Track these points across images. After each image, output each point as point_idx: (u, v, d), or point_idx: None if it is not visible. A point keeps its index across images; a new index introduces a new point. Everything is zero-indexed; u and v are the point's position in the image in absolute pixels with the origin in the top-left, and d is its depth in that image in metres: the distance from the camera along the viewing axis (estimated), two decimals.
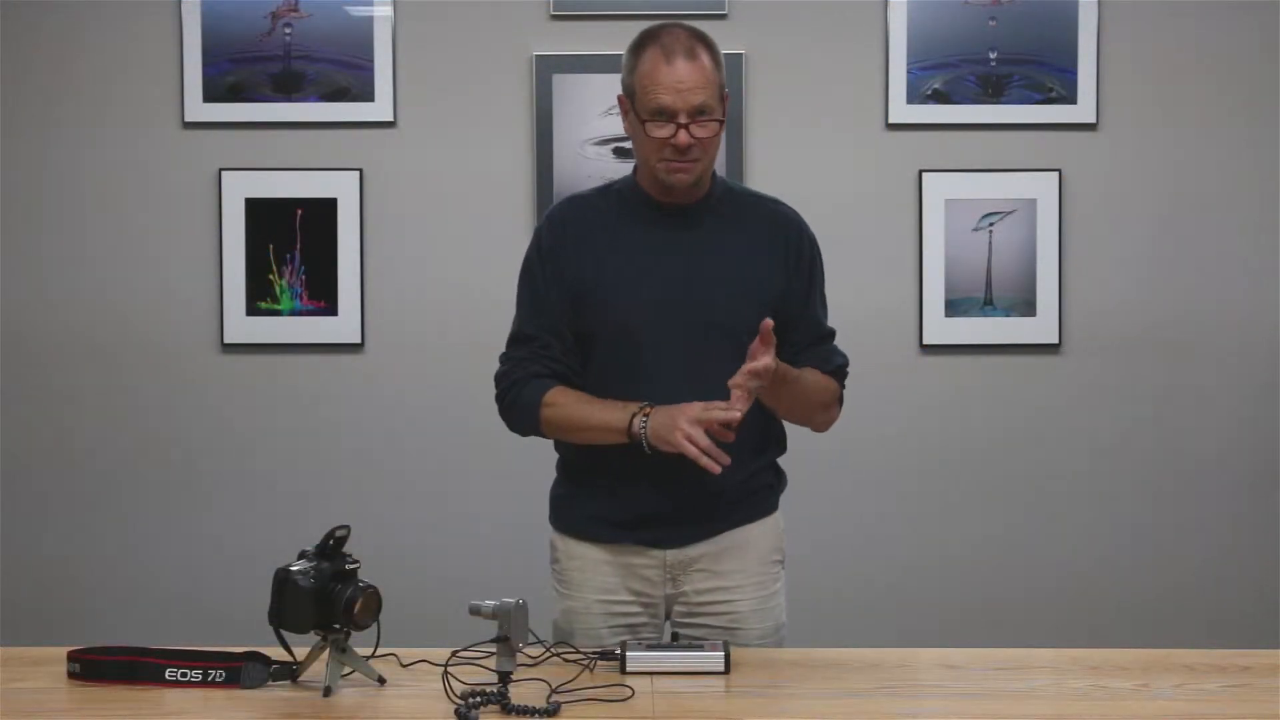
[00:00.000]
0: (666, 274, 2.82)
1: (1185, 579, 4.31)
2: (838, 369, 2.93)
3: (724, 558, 2.89)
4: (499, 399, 2.91)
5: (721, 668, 2.54)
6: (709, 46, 2.79)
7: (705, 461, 2.64)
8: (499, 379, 2.91)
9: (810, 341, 2.90)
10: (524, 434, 2.93)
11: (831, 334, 2.96)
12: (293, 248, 4.27)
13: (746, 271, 2.84)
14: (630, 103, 2.80)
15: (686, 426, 2.65)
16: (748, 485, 2.90)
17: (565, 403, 2.83)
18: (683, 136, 2.74)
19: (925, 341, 4.29)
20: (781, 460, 3.00)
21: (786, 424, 2.98)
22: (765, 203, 2.98)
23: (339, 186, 4.26)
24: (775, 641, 2.93)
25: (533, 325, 2.89)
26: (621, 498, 2.86)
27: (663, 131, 2.75)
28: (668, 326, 2.79)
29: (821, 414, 2.92)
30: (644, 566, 2.88)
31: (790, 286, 2.88)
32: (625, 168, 2.93)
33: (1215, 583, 4.31)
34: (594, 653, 2.60)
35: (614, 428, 2.75)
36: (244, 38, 4.25)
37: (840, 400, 2.95)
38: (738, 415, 2.64)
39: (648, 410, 2.73)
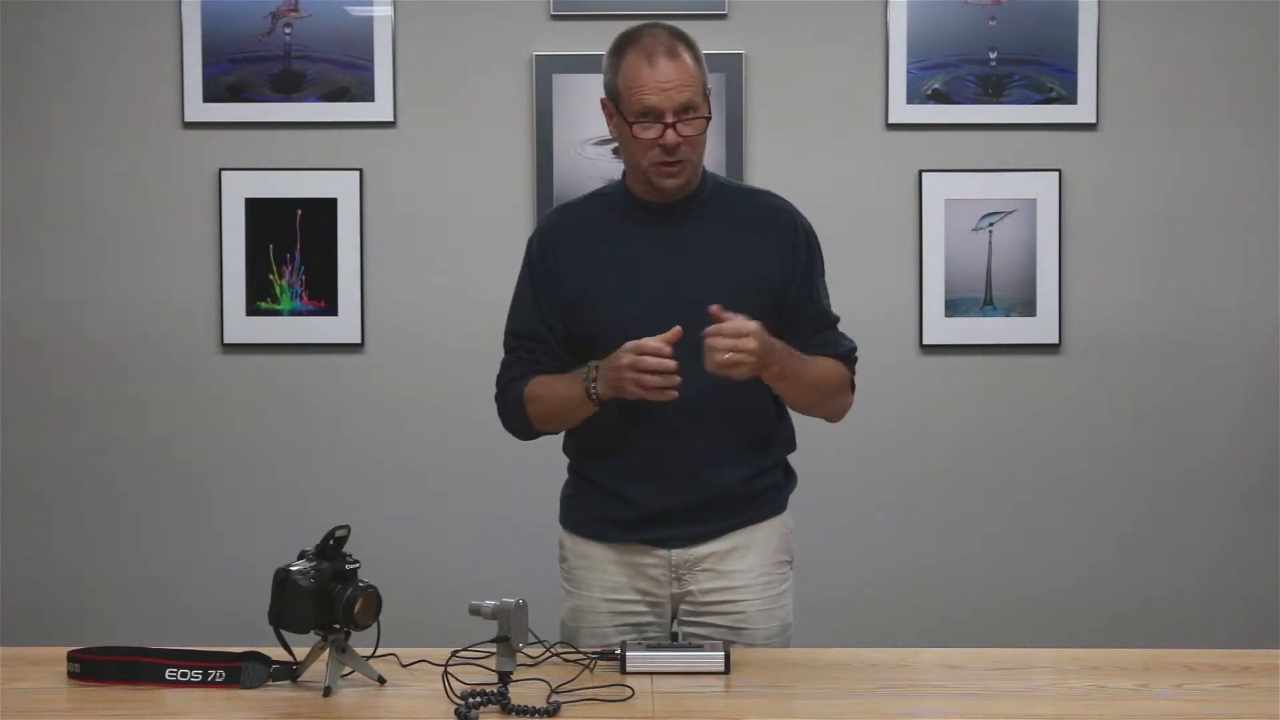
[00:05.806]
0: (659, 274, 2.83)
1: (1185, 579, 4.31)
2: (847, 353, 2.92)
3: (729, 558, 2.89)
4: (499, 414, 2.94)
5: (721, 668, 2.53)
6: (689, 45, 2.79)
7: (657, 396, 2.65)
8: (496, 395, 2.95)
9: (816, 329, 2.89)
10: (526, 438, 2.94)
11: (836, 320, 2.95)
12: (293, 248, 4.27)
13: (740, 267, 2.84)
14: (615, 105, 2.81)
15: (631, 374, 2.65)
16: (752, 485, 2.89)
17: (538, 395, 2.85)
18: (670, 136, 2.75)
19: (925, 341, 4.29)
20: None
21: (795, 422, 2.98)
22: (756, 196, 2.99)
23: (339, 186, 4.26)
24: (782, 642, 2.92)
25: (517, 323, 2.93)
26: (627, 497, 2.86)
27: (650, 132, 2.75)
28: (662, 326, 2.79)
29: (835, 400, 2.91)
30: (650, 566, 2.88)
31: (788, 277, 2.86)
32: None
33: (1215, 583, 4.31)
34: (594, 653, 2.60)
35: (578, 400, 2.77)
36: (244, 38, 4.25)
37: (852, 386, 2.94)
38: (671, 339, 2.65)
39: (594, 374, 2.73)
